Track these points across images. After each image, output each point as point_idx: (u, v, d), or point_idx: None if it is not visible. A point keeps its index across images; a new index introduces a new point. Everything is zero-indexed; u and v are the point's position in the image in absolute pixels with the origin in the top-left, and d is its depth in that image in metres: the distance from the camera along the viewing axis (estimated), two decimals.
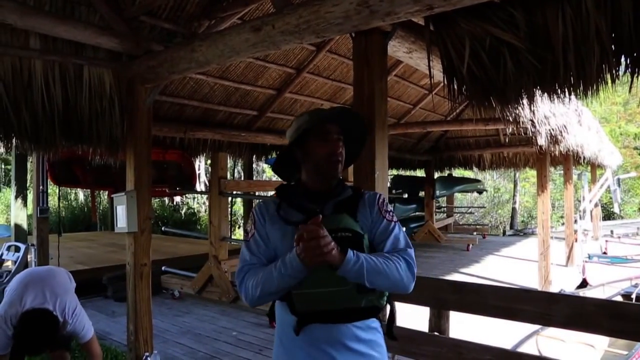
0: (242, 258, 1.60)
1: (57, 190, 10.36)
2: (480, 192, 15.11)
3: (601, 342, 4.09)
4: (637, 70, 2.21)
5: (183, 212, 16.98)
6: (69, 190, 16.19)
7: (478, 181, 14.36)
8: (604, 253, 8.78)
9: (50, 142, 3.49)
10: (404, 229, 1.81)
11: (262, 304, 1.55)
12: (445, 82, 2.69)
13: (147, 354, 3.74)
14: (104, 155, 4.14)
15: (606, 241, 9.61)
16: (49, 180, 7.04)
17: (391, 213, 1.60)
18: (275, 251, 1.54)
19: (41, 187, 6.67)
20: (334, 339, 1.46)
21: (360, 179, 2.71)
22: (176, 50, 3.34)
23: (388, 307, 1.64)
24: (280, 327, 1.58)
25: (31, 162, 8.39)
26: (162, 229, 10.51)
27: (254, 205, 9.13)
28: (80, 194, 16.85)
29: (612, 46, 2.21)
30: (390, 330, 1.62)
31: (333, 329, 1.47)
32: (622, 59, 2.25)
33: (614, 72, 2.28)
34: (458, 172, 13.73)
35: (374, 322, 1.55)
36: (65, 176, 7.12)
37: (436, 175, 12.20)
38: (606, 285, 5.66)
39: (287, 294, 1.48)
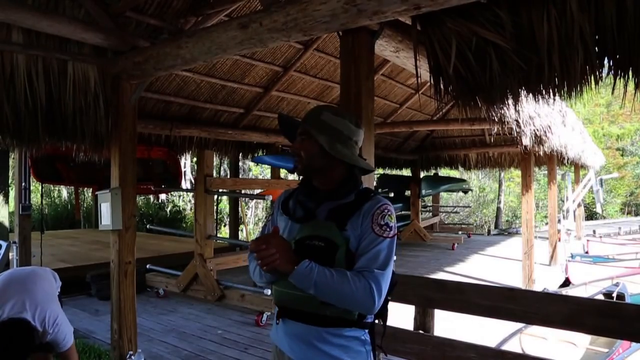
0: None
1: (40, 187, 10.20)
2: (465, 191, 15.20)
3: (583, 340, 4.15)
4: (619, 72, 2.24)
5: (168, 209, 16.81)
6: (52, 187, 15.92)
7: (463, 181, 14.47)
8: (586, 252, 8.91)
9: (33, 138, 3.43)
10: None
11: None
12: (432, 81, 2.70)
13: (131, 352, 3.71)
14: (88, 152, 4.08)
15: (587, 241, 9.74)
16: (31, 177, 6.92)
17: (384, 227, 1.49)
18: None
19: (23, 184, 6.56)
20: (305, 338, 1.52)
21: None
22: (162, 46, 3.31)
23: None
24: (275, 311, 1.66)
25: (13, 158, 8.25)
26: (147, 226, 10.42)
27: (239, 203, 9.12)
28: (64, 191, 16.60)
29: (596, 48, 2.24)
30: (379, 344, 1.64)
31: (305, 328, 1.52)
32: (605, 61, 2.28)
33: (597, 73, 2.31)
34: (444, 172, 13.82)
35: (352, 332, 1.51)
36: (48, 173, 7.00)
37: (422, 174, 12.26)
38: (588, 284, 5.73)
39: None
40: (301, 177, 1.71)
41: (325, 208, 1.56)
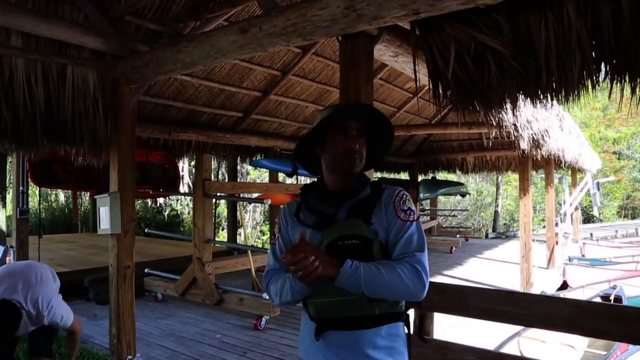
0: (268, 262, 1.64)
1: (38, 191, 10.17)
2: (463, 195, 15.22)
3: (581, 343, 4.16)
4: (616, 76, 2.26)
5: (166, 213, 16.81)
6: (49, 191, 15.90)
7: (461, 184, 14.46)
8: (583, 256, 8.93)
9: (32, 142, 3.44)
10: None
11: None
12: (431, 86, 2.72)
13: (129, 357, 3.71)
14: (87, 156, 4.09)
15: (584, 244, 9.77)
16: (29, 180, 6.92)
17: (408, 211, 1.51)
18: None
19: (21, 188, 6.56)
20: (351, 346, 1.45)
21: None
22: (162, 50, 3.32)
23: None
24: (304, 327, 1.58)
25: (11, 162, 8.25)
26: (145, 230, 10.41)
27: (237, 207, 9.11)
28: (61, 195, 16.56)
29: (593, 53, 2.26)
30: (421, 332, 1.62)
31: (350, 336, 1.45)
32: (602, 66, 2.30)
33: (594, 78, 2.33)
34: (441, 175, 13.84)
35: (395, 328, 1.50)
36: (46, 177, 7.00)
37: (420, 178, 12.28)
38: (586, 287, 5.76)
39: (304, 302, 1.51)
40: (307, 184, 1.67)
41: (344, 208, 1.53)
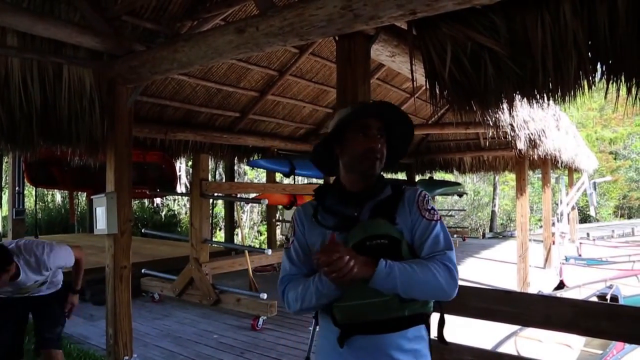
0: (283, 267, 1.57)
1: (34, 192, 10.14)
2: (460, 195, 15.25)
3: (577, 342, 4.17)
4: (612, 76, 2.27)
5: (163, 214, 16.76)
6: (46, 192, 15.85)
7: (458, 184, 14.49)
8: (580, 255, 8.95)
9: (28, 142, 3.43)
10: None
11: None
12: (427, 86, 2.72)
13: (126, 357, 3.70)
14: (84, 156, 4.07)
15: (580, 244, 9.79)
16: (25, 181, 6.90)
17: (432, 211, 1.49)
18: None
19: (17, 188, 6.54)
20: (377, 350, 1.41)
21: None
22: (159, 50, 3.31)
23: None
24: (324, 334, 1.53)
25: (6, 162, 8.21)
26: (142, 231, 10.39)
27: (235, 207, 9.11)
28: (58, 195, 16.52)
29: (589, 53, 2.27)
30: (442, 334, 1.56)
31: (376, 340, 1.41)
32: (598, 66, 2.31)
33: (590, 78, 2.34)
34: (439, 175, 13.85)
35: (420, 330, 1.47)
36: (42, 177, 6.98)
37: (417, 178, 12.29)
38: (582, 286, 5.77)
39: (329, 306, 1.44)
40: (321, 185, 1.64)
41: (367, 208, 1.49)
